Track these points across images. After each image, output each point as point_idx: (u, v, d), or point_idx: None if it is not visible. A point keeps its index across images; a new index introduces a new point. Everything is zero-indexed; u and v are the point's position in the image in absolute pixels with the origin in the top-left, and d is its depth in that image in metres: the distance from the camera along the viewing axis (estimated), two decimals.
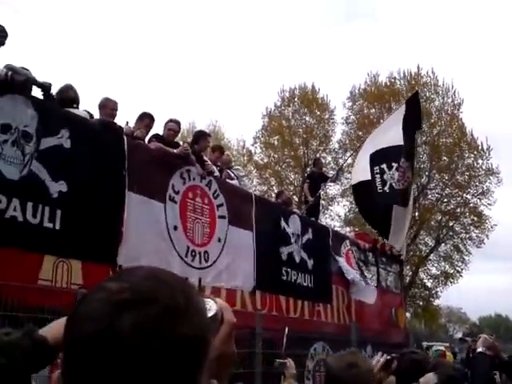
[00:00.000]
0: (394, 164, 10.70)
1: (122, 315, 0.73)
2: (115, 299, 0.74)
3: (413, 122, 10.88)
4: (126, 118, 7.26)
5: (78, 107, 6.22)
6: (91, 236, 5.45)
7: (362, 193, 11.34)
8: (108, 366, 0.72)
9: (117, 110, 6.74)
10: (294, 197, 22.07)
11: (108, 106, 6.62)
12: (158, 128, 7.59)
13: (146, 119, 7.18)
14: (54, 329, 1.16)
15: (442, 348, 8.63)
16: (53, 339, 1.13)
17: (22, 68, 5.51)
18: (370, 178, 10.67)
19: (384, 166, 10.72)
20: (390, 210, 10.61)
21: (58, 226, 5.15)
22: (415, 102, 11.25)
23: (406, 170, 10.90)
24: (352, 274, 10.12)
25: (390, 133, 10.85)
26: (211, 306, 0.94)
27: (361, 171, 11.15)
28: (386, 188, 10.68)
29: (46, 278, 4.95)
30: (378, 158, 10.83)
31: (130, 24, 63.17)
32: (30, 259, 4.90)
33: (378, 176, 10.69)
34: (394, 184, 10.67)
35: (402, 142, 10.59)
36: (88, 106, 6.67)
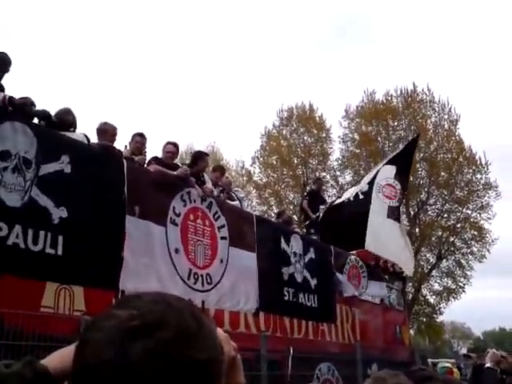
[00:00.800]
0: (365, 179, 11.19)
1: (132, 342, 0.72)
2: (125, 327, 0.74)
3: (406, 161, 11.58)
4: (123, 142, 7.31)
5: (75, 131, 6.24)
6: (92, 262, 5.42)
7: (329, 216, 11.54)
8: None
9: (116, 134, 6.76)
10: (294, 216, 22.04)
11: (108, 132, 6.61)
12: (156, 151, 7.62)
13: (136, 137, 7.26)
14: (55, 358, 1.13)
15: (449, 365, 8.53)
16: (54, 369, 1.10)
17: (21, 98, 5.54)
18: (342, 200, 11.10)
19: (357, 185, 11.24)
20: (357, 217, 10.84)
21: (60, 252, 5.12)
22: (413, 144, 12.09)
23: (398, 191, 11.25)
24: (350, 290, 10.12)
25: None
26: None
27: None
28: (351, 197, 11.09)
29: (48, 306, 4.91)
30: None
31: (126, 45, 63.83)
32: (32, 286, 4.86)
33: (347, 193, 11.15)
34: (359, 193, 11.02)
35: (381, 165, 11.25)
36: (84, 127, 6.70)
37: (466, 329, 60.42)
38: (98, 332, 0.76)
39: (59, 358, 1.05)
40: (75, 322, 4.66)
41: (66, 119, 6.14)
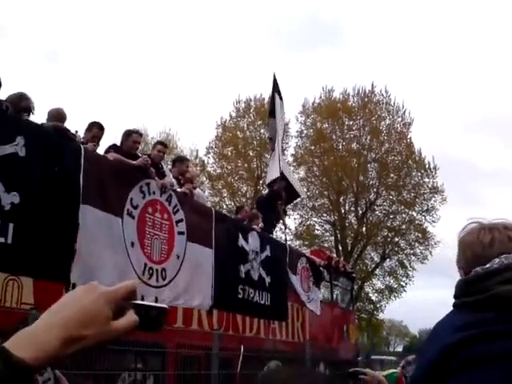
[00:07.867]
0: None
1: None
2: None
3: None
4: (74, 128, 6.89)
5: (29, 116, 5.89)
6: (44, 252, 5.13)
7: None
8: None
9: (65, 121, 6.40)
10: (246, 208, 21.96)
11: (58, 118, 6.25)
12: (112, 139, 7.26)
13: (95, 129, 6.78)
14: (27, 343, 0.89)
15: (397, 370, 8.60)
16: (29, 358, 0.87)
17: None
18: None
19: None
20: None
21: (9, 241, 4.81)
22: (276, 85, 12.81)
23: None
24: (301, 294, 10.18)
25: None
26: None
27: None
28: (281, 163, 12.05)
29: None
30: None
31: (81, 27, 61.75)
32: None
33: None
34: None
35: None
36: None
37: (403, 327, 62.28)
38: None
39: (34, 345, 0.83)
40: (23, 316, 4.38)
41: (22, 104, 5.77)
